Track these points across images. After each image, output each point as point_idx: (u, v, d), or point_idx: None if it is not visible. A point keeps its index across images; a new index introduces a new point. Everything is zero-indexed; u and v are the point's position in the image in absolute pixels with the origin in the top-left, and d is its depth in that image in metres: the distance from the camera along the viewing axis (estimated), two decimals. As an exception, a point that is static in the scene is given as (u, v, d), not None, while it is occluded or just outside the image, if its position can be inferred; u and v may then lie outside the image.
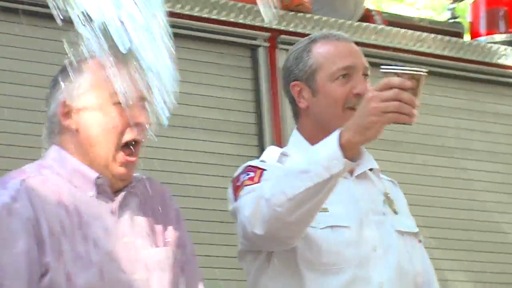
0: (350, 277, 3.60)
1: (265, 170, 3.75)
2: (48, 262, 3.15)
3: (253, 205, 3.56)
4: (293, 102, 3.96)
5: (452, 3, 6.79)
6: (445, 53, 6.33)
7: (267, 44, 5.80)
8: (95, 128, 3.27)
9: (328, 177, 3.25)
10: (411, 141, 6.10)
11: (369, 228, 3.66)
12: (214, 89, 5.64)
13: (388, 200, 3.77)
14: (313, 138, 3.71)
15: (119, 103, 3.15)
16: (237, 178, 3.83)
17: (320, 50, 3.92)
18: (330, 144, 3.30)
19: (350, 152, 3.24)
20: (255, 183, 3.71)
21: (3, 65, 4.70)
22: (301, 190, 3.32)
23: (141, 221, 3.34)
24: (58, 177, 3.33)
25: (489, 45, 6.67)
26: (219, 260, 5.38)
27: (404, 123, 3.21)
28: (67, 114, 3.30)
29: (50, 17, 4.17)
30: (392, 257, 3.60)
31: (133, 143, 3.19)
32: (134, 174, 3.33)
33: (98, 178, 3.24)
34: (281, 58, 5.47)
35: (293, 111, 4.03)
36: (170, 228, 3.39)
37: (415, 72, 3.15)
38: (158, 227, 3.40)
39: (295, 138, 3.95)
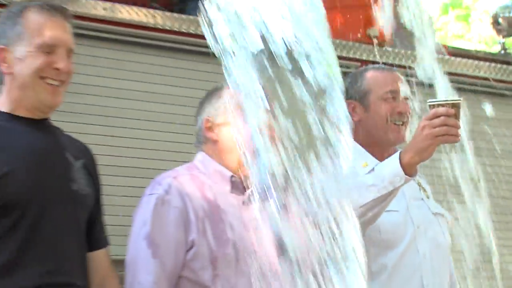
0: (402, 250, 4.37)
1: None
2: (194, 239, 3.79)
3: None
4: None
5: (502, 38, 7.08)
6: (498, 77, 6.66)
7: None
8: (231, 141, 3.86)
9: (392, 189, 4.02)
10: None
11: (413, 211, 4.48)
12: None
13: (422, 188, 4.65)
14: (366, 144, 4.48)
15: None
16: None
17: (372, 76, 4.68)
18: (393, 163, 4.05)
19: (410, 170, 3.94)
20: None
21: (160, 90, 5.26)
22: (370, 200, 4.02)
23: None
24: (202, 175, 4.02)
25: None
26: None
27: (452, 142, 3.97)
28: (210, 128, 3.97)
29: (200, 53, 5.07)
30: (431, 233, 4.43)
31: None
32: None
33: (232, 176, 3.93)
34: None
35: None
36: None
37: (455, 101, 3.82)
38: None
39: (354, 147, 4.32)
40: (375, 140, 4.45)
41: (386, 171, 4.11)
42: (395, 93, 4.46)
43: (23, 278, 3.25)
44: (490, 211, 4.88)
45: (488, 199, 4.96)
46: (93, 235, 3.73)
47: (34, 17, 3.52)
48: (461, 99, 3.96)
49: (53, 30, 3.49)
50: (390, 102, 4.46)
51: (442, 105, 3.83)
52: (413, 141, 4.05)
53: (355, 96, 4.57)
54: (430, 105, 3.89)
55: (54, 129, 3.66)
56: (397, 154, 4.05)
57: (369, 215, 4.09)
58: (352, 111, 4.46)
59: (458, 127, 3.84)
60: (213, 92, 4.17)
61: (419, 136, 3.95)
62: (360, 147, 4.52)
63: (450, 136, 3.83)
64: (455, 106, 3.82)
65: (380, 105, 4.45)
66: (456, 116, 3.80)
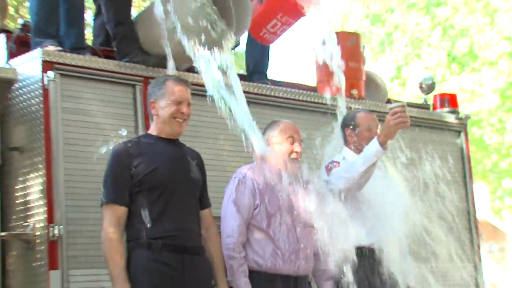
0: (377, 211, 5.49)
1: (338, 162, 5.57)
2: (257, 203, 4.83)
3: (339, 177, 5.35)
4: (345, 138, 5.71)
5: (424, 95, 7.78)
6: (422, 116, 7.17)
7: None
8: (279, 153, 5.02)
9: (376, 160, 5.21)
10: None
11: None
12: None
13: None
14: (357, 150, 5.54)
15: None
16: (327, 166, 5.61)
17: (362, 116, 5.75)
18: (374, 143, 5.18)
19: (384, 147, 5.10)
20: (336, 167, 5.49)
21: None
22: (365, 168, 5.18)
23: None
24: (265, 168, 4.96)
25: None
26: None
27: (406, 128, 5.28)
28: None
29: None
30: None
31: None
32: None
33: (279, 171, 4.97)
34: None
35: (344, 140, 5.72)
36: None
37: (403, 105, 5.17)
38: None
39: (347, 152, 5.68)
40: (363, 146, 5.37)
41: (371, 149, 5.18)
42: (372, 127, 5.62)
43: (166, 225, 4.28)
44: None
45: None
46: (202, 201, 4.69)
47: (170, 84, 4.54)
48: (405, 103, 5.38)
49: (180, 92, 4.51)
50: (371, 131, 5.59)
51: (398, 107, 5.15)
52: (383, 129, 5.23)
53: (349, 126, 5.70)
54: (390, 108, 5.28)
55: (180, 144, 4.68)
56: (375, 139, 5.21)
57: (362, 180, 5.30)
58: (348, 135, 5.69)
59: (408, 118, 5.11)
60: (272, 123, 5.23)
61: (387, 125, 5.14)
62: (352, 152, 5.65)
63: (404, 124, 5.10)
64: (403, 107, 5.15)
65: (367, 133, 5.58)
66: (404, 112, 5.08)
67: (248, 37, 6.57)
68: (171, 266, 4.19)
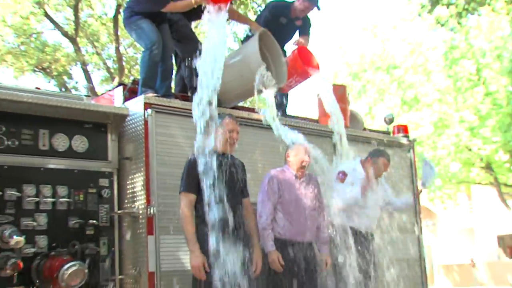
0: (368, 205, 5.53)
1: (347, 174, 5.47)
2: (280, 194, 4.79)
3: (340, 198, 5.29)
4: (364, 162, 5.43)
5: (387, 125, 7.40)
6: (385, 140, 6.89)
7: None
8: (294, 163, 4.97)
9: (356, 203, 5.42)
10: None
11: None
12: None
13: None
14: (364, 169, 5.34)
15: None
16: (338, 174, 5.51)
17: (383, 161, 5.74)
18: (356, 194, 5.35)
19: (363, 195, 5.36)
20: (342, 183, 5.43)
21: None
22: (351, 203, 5.37)
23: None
24: (286, 171, 4.95)
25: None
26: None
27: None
28: (286, 158, 5.02)
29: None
30: None
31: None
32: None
33: (295, 174, 4.95)
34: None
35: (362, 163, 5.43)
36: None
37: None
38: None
39: (359, 167, 5.44)
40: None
41: (354, 197, 5.36)
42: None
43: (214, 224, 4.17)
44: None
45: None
46: (243, 192, 4.58)
47: (226, 120, 4.50)
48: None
49: (231, 125, 4.47)
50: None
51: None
52: (364, 181, 5.31)
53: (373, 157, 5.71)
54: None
55: (231, 157, 4.54)
56: (358, 189, 5.33)
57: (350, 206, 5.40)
58: (368, 162, 5.51)
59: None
60: (290, 145, 5.12)
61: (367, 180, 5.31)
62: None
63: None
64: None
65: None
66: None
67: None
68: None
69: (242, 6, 12.88)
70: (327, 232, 5.05)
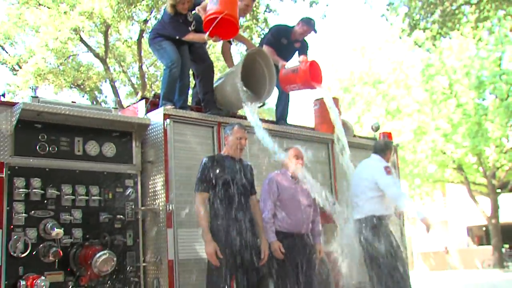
0: None
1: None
2: (279, 193, 4.66)
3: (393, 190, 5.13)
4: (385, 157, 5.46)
5: (374, 132, 7.14)
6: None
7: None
8: (291, 167, 4.78)
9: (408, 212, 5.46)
10: None
11: None
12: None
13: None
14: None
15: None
16: (386, 167, 5.31)
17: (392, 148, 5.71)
18: (422, 212, 5.09)
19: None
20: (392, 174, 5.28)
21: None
22: (403, 207, 5.22)
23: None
24: (283, 174, 4.82)
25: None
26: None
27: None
28: (285, 165, 4.84)
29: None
30: None
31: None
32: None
33: (291, 176, 4.80)
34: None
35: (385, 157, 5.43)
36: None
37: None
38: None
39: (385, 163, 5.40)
40: None
41: (419, 212, 5.13)
42: None
43: (224, 217, 4.13)
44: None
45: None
46: (251, 191, 4.42)
47: (236, 128, 4.42)
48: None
49: (240, 133, 4.38)
50: None
51: None
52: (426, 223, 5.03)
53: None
54: None
55: (240, 160, 4.46)
56: (422, 213, 5.10)
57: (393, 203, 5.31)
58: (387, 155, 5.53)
59: None
60: (287, 148, 5.00)
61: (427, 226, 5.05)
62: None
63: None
64: None
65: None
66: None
67: (277, 99, 6.41)
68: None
69: (248, 30, 12.83)
70: (320, 225, 4.98)
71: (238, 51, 14.04)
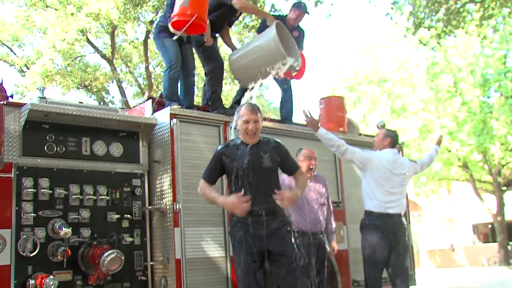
0: None
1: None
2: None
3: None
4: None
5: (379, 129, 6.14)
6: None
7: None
8: (303, 168, 4.68)
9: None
10: None
11: None
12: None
13: None
14: None
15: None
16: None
17: None
18: None
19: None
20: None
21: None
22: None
23: None
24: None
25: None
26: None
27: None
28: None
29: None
30: None
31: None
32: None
33: (309, 178, 4.79)
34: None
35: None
36: None
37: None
38: None
39: None
40: None
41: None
42: None
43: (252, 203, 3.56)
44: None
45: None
46: (291, 172, 3.93)
47: (242, 110, 3.78)
48: None
49: (246, 115, 3.72)
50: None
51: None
52: None
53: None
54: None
55: (256, 144, 3.76)
56: None
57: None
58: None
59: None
60: (300, 149, 5.00)
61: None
62: None
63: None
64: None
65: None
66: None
67: (281, 99, 6.39)
68: (245, 219, 3.63)
69: (253, 30, 12.76)
70: (334, 223, 4.99)
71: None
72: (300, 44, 6.33)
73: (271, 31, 5.12)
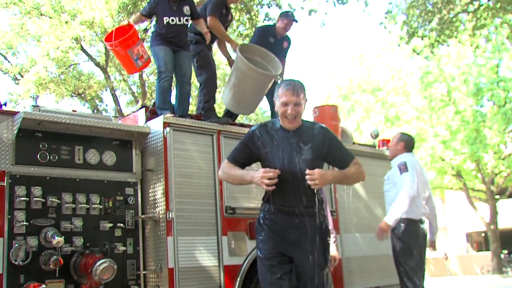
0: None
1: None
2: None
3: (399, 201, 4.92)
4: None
5: (373, 139, 7.14)
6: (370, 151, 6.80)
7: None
8: None
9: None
10: None
11: None
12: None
13: None
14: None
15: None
16: (400, 164, 5.04)
17: None
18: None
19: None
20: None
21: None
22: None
23: None
24: None
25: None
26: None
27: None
28: None
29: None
30: None
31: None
32: None
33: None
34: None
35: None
36: None
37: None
38: None
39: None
40: None
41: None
42: None
43: (274, 202, 3.25)
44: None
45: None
46: (342, 165, 3.35)
47: (282, 90, 3.26)
48: None
49: (285, 96, 3.24)
50: None
51: None
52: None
53: None
54: None
55: (296, 130, 3.30)
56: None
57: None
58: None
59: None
60: None
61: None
62: None
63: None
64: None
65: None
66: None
67: (271, 110, 6.39)
68: (275, 216, 3.29)
69: (247, 39, 12.84)
70: (333, 231, 4.81)
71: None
72: (286, 53, 6.42)
73: (241, 60, 5.27)
